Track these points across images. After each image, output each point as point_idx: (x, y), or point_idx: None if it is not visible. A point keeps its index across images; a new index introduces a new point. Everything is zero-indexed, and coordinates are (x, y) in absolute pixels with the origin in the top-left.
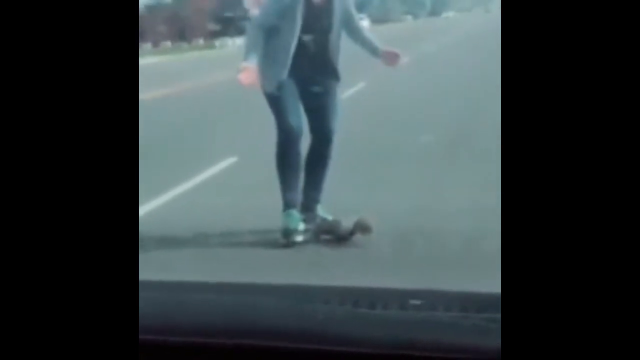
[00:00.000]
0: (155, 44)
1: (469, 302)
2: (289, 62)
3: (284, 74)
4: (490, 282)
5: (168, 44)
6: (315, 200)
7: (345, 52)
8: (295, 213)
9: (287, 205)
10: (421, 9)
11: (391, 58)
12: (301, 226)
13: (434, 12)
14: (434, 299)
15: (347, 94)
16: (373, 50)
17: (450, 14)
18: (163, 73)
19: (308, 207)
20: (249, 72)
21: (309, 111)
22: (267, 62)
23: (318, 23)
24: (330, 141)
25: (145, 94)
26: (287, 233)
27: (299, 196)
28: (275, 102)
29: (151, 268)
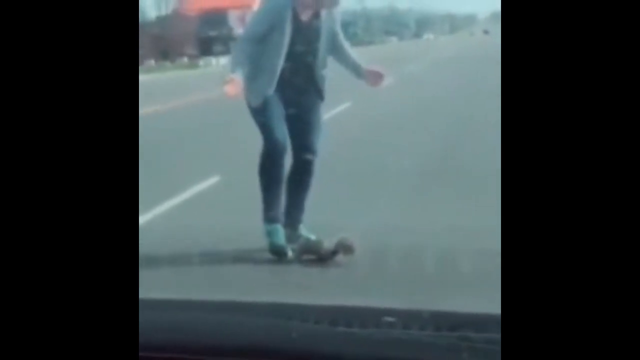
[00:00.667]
0: (139, 62)
1: (443, 321)
2: (276, 77)
3: (271, 89)
4: (465, 301)
5: (152, 62)
6: (298, 220)
7: (331, 72)
8: (280, 228)
9: (271, 220)
10: (406, 30)
11: (374, 78)
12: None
13: (418, 34)
14: (409, 317)
15: (331, 113)
16: (357, 71)
17: (431, 36)
18: (146, 92)
19: (291, 226)
20: (234, 84)
21: (293, 129)
22: (254, 76)
23: (305, 40)
24: (313, 161)
25: None
26: (276, 249)
27: (282, 212)
28: (261, 116)
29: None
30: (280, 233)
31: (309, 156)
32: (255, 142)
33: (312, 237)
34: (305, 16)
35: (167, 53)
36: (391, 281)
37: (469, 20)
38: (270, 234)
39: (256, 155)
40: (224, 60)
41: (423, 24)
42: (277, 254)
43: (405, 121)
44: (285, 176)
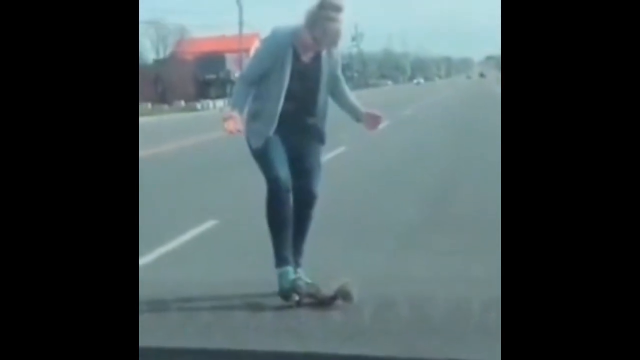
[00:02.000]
0: None
1: None
2: (276, 118)
3: (271, 130)
4: (473, 350)
5: (148, 105)
6: (297, 264)
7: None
8: (291, 270)
9: (282, 263)
10: (401, 74)
11: (373, 121)
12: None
13: (413, 78)
14: None
15: (327, 157)
16: (355, 114)
17: (421, 80)
18: (143, 134)
19: None
20: (233, 120)
21: (292, 172)
22: (254, 117)
23: (306, 82)
24: (313, 204)
25: None
26: (284, 293)
27: (291, 254)
28: (262, 157)
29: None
30: (290, 276)
31: (308, 199)
32: (252, 185)
33: (309, 281)
34: (306, 57)
35: (164, 96)
36: (392, 330)
37: (465, 63)
38: (280, 276)
39: (254, 197)
40: (221, 103)
41: (419, 67)
42: (285, 298)
43: (402, 166)
44: (291, 217)
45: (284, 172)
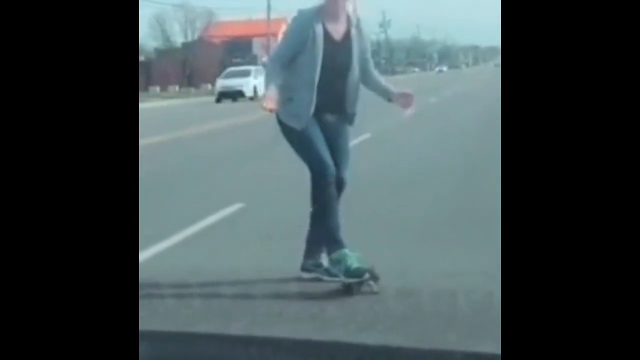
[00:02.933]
0: (164, 88)
1: None
2: (314, 99)
3: (310, 111)
4: (489, 343)
5: (176, 88)
6: (321, 249)
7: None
8: (349, 252)
9: (340, 245)
10: (429, 61)
11: (405, 100)
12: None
13: (437, 65)
14: (435, 358)
15: (351, 144)
16: (388, 94)
17: (444, 67)
18: (171, 117)
19: (313, 256)
20: (270, 98)
21: None
22: (291, 99)
23: (338, 61)
24: (342, 187)
25: (153, 138)
26: (355, 273)
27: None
28: (304, 140)
29: (155, 317)
30: (351, 258)
31: (338, 183)
32: (278, 169)
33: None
34: (337, 35)
35: (191, 79)
36: (412, 319)
37: (493, 51)
38: (341, 261)
39: (280, 181)
40: None
41: (446, 55)
42: (357, 276)
43: (418, 160)
44: (336, 200)
45: (327, 154)
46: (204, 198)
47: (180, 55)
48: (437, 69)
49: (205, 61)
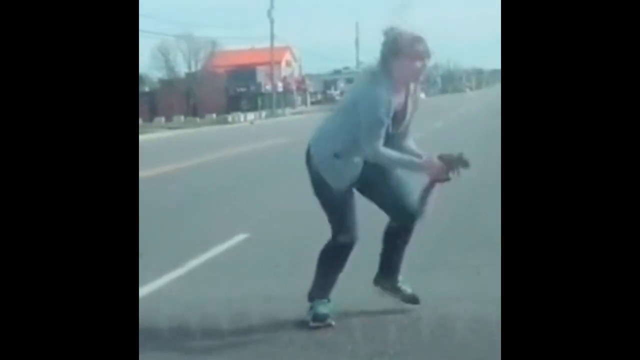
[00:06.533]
0: (168, 118)
1: None
2: (362, 165)
3: (356, 176)
4: None
5: (181, 118)
6: (398, 274)
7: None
8: (327, 301)
9: (321, 297)
10: (433, 86)
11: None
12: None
13: (444, 90)
14: None
15: None
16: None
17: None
18: (175, 147)
19: (391, 279)
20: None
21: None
22: (347, 158)
23: (397, 125)
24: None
25: (156, 169)
26: (321, 317)
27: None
28: (340, 203)
29: (155, 352)
30: (328, 304)
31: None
32: (283, 199)
33: (409, 290)
34: (398, 100)
35: (195, 109)
36: (418, 346)
37: (497, 75)
38: (316, 306)
39: (285, 211)
40: (251, 116)
41: (449, 79)
42: (321, 321)
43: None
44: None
45: (356, 225)
46: (207, 229)
47: (184, 85)
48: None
49: (210, 91)
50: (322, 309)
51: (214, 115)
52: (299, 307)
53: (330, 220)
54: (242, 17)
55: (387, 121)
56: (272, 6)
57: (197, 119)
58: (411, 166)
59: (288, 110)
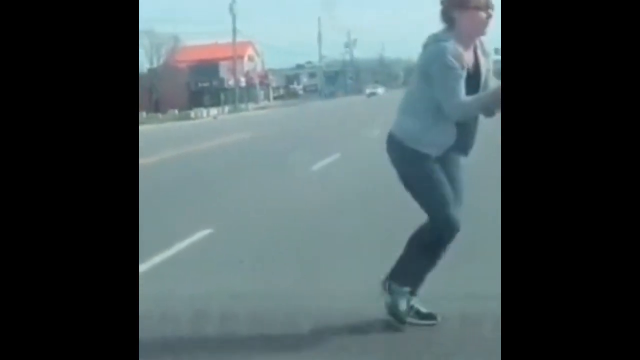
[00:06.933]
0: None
1: None
2: (455, 128)
3: (452, 139)
4: None
5: (143, 114)
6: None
7: (321, 124)
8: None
9: (405, 285)
10: (394, 80)
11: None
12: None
13: (406, 84)
14: None
15: (322, 164)
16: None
17: (378, 89)
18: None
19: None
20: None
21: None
22: (436, 125)
23: (473, 90)
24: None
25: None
26: (398, 315)
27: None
28: (433, 180)
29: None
30: (408, 300)
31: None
32: (248, 195)
33: (423, 309)
34: (468, 58)
35: (158, 105)
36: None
37: None
38: (395, 295)
39: (250, 206)
40: (214, 111)
41: (412, 72)
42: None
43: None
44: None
45: (456, 205)
46: (172, 224)
47: (146, 81)
48: (367, 91)
49: (172, 86)
50: (402, 303)
51: (177, 111)
52: (264, 304)
53: (431, 197)
54: (204, 12)
55: (462, 73)
56: (234, 1)
57: (160, 115)
58: (496, 93)
59: (251, 105)
